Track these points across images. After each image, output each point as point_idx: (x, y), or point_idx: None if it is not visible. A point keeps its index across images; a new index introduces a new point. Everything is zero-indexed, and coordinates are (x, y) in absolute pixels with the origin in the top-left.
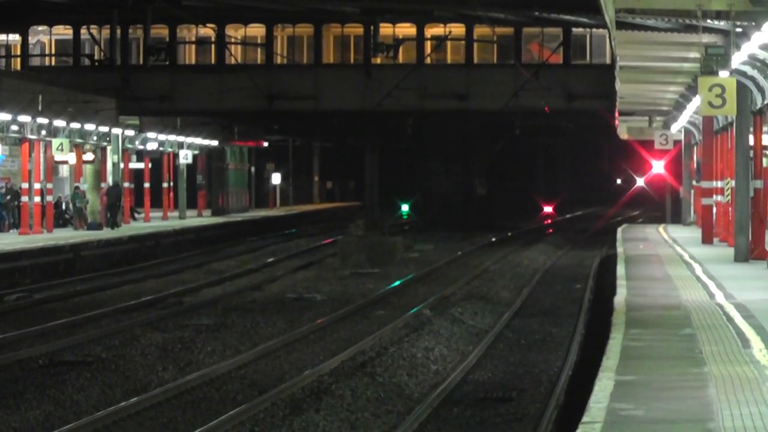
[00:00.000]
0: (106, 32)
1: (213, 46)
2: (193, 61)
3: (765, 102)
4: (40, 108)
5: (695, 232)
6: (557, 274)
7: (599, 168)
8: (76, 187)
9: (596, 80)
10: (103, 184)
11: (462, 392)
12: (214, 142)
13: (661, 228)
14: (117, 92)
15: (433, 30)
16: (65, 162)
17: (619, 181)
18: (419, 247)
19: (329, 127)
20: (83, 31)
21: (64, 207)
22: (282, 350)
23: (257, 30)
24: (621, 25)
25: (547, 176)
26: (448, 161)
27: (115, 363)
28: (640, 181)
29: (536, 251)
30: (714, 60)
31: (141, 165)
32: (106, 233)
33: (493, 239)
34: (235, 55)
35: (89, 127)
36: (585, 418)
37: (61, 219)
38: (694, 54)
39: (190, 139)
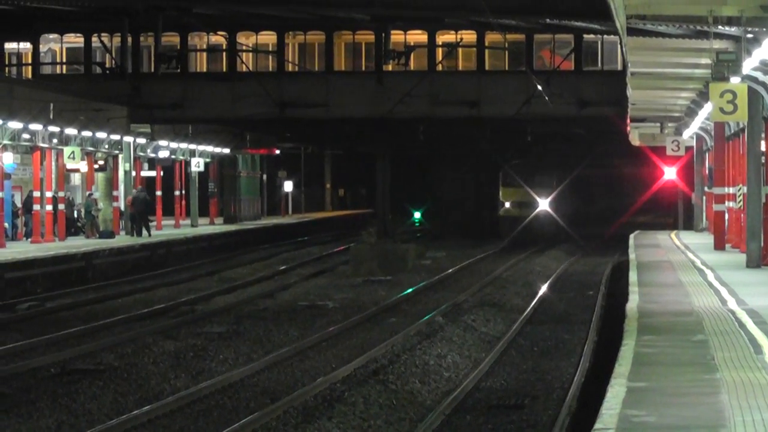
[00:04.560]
0: (117, 40)
1: (224, 53)
2: (205, 69)
3: None
4: (51, 116)
5: (707, 239)
6: (569, 281)
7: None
8: (89, 195)
9: (608, 86)
10: (134, 191)
11: (474, 399)
12: (226, 150)
13: (673, 234)
14: (128, 100)
15: (445, 37)
16: (77, 170)
17: (507, 204)
18: (431, 254)
19: (341, 134)
20: (94, 39)
21: (75, 215)
22: (294, 358)
23: (268, 37)
24: (632, 32)
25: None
26: (459, 168)
27: (128, 371)
28: (542, 204)
29: (548, 258)
30: (725, 66)
31: (153, 173)
32: (117, 241)
33: (505, 246)
34: (247, 62)
35: (101, 135)
36: (597, 425)
37: (72, 227)
38: (706, 60)
39: (201, 147)
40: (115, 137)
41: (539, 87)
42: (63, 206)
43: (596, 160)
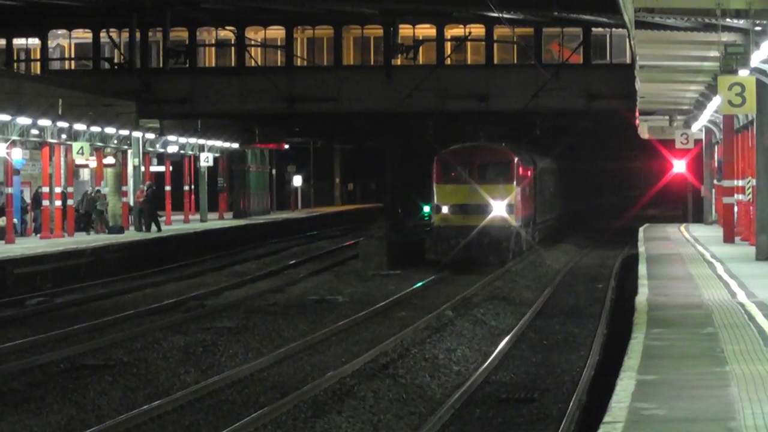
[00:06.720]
0: (125, 35)
1: (233, 48)
2: (213, 64)
3: None
4: (60, 112)
5: (717, 231)
6: (579, 274)
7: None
8: (97, 191)
9: (617, 80)
10: (142, 186)
11: (484, 393)
12: (235, 145)
13: (682, 227)
14: (137, 95)
15: (453, 31)
16: (86, 166)
17: (445, 209)
18: None
19: (350, 128)
20: (103, 34)
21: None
22: (304, 352)
23: (277, 32)
24: (640, 25)
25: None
26: None
27: (137, 366)
28: (498, 208)
29: (558, 251)
30: (733, 59)
31: (162, 168)
32: (127, 236)
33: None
34: (255, 57)
35: (110, 130)
36: (607, 418)
37: (83, 223)
38: (714, 53)
39: (210, 142)
40: (124, 132)
41: (548, 80)
42: (73, 202)
43: (577, 148)
